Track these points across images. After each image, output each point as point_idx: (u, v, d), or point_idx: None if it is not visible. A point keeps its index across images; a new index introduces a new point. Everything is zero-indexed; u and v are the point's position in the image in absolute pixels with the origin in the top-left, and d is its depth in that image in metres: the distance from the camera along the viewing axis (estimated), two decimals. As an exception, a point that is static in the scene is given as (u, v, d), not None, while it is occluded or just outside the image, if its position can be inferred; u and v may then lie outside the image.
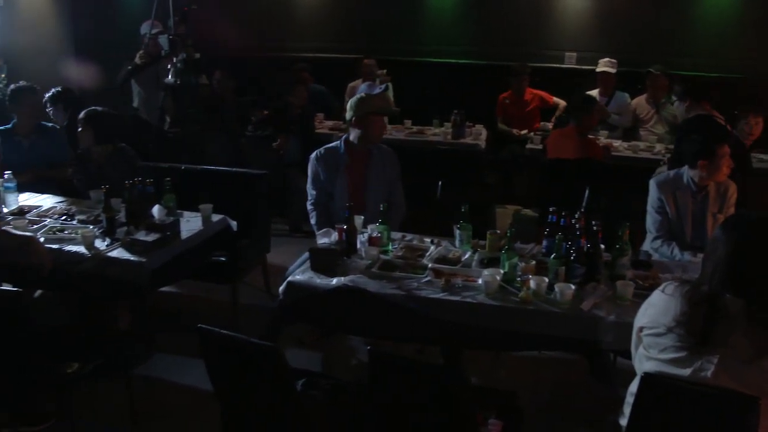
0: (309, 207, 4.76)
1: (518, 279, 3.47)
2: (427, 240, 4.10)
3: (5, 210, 4.72)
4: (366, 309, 3.50)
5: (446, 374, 2.73)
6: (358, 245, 3.90)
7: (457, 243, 3.99)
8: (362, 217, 4.15)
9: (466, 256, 3.81)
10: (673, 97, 6.26)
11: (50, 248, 4.09)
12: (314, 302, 3.58)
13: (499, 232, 3.90)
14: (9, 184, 4.85)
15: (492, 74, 8.16)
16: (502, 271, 3.47)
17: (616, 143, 6.86)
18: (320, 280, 3.56)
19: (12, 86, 5.78)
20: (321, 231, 4.01)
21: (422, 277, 3.54)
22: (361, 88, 6.47)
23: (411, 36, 8.98)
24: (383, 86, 6.29)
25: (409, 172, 5.05)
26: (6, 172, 4.88)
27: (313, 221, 4.71)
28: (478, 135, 7.18)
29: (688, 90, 5.60)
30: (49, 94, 5.97)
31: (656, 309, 2.41)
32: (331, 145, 4.75)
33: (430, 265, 3.67)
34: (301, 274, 3.65)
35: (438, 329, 3.41)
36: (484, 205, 4.81)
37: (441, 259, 3.77)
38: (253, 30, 9.12)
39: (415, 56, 8.84)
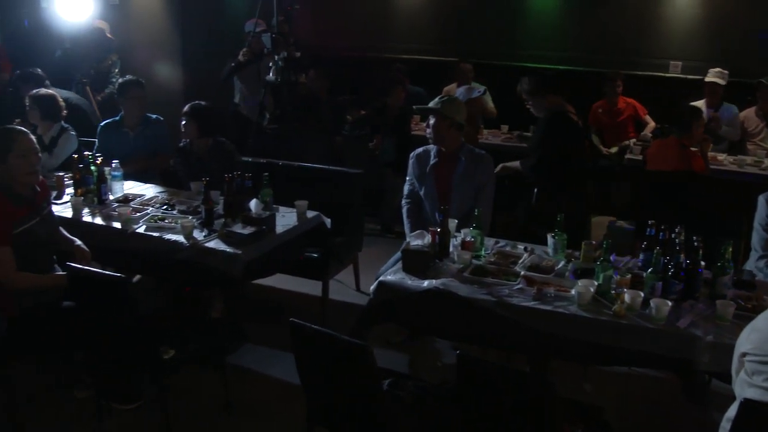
0: (402, 203, 4.78)
1: (612, 292, 3.39)
2: (520, 247, 4.06)
3: (111, 197, 4.92)
4: (455, 313, 3.49)
5: (535, 383, 2.69)
6: (451, 248, 3.89)
7: (550, 251, 3.94)
8: (456, 221, 4.14)
9: (560, 265, 3.75)
10: None
11: (151, 236, 4.26)
12: (404, 303, 3.59)
13: (594, 242, 3.82)
14: (116, 173, 5.06)
15: (591, 81, 7.98)
16: (596, 283, 3.40)
17: (721, 156, 6.61)
18: (411, 282, 3.57)
19: (120, 80, 6.01)
20: (414, 233, 4.01)
21: (514, 284, 3.51)
22: (458, 92, 6.43)
23: (510, 40, 8.88)
24: (481, 90, 6.25)
25: (505, 178, 5.00)
26: (114, 161, 5.09)
27: (405, 218, 4.73)
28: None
29: None
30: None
31: (762, 335, 2.30)
32: (429, 146, 4.74)
33: (522, 273, 3.62)
34: (392, 274, 3.67)
35: (527, 338, 3.37)
36: (580, 215, 4.72)
37: (534, 267, 3.73)
38: (354, 31, 9.22)
39: (514, 60, 8.74)
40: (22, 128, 3.88)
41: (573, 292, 3.37)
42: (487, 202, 4.55)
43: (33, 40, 8.33)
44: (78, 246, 4.03)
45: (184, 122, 5.22)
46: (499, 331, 3.43)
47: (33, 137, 3.84)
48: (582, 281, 3.42)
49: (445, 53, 8.74)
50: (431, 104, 4.59)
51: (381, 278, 3.66)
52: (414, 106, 5.03)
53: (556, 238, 3.90)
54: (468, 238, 3.89)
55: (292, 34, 7.56)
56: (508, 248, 4.05)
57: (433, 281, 3.54)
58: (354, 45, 9.19)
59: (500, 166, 5.43)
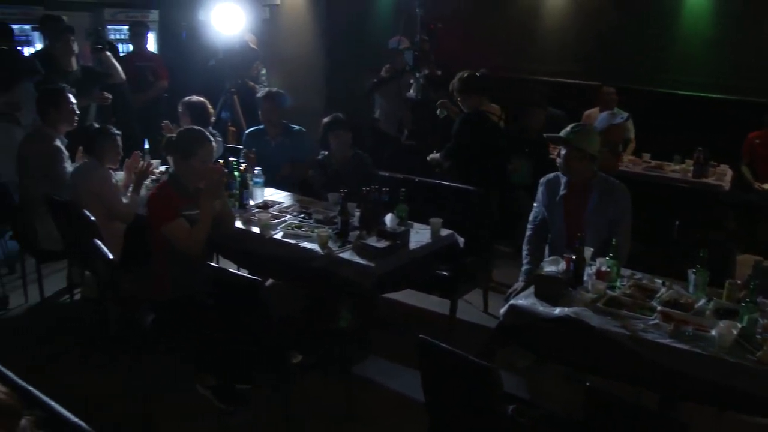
0: (528, 229, 4.68)
1: (758, 336, 3.20)
2: (658, 281, 3.90)
3: (252, 202, 5.12)
4: (586, 343, 3.40)
5: (667, 424, 2.59)
6: (585, 277, 3.80)
7: (690, 288, 3.76)
8: (591, 249, 4.04)
9: (700, 303, 3.58)
10: None
11: (287, 242, 4.40)
12: (534, 329, 3.54)
13: (739, 282, 3.63)
14: (258, 179, 5.26)
15: (743, 111, 7.58)
16: (739, 325, 3.23)
17: None
18: (543, 308, 3.52)
19: (262, 91, 6.25)
20: (549, 258, 3.94)
21: (649, 319, 3.38)
22: (600, 117, 6.28)
23: (654, 64, 8.58)
24: (624, 116, 6.08)
25: (644, 208, 4.83)
26: (257, 168, 5.29)
27: (524, 244, 4.63)
28: (722, 175, 6.73)
29: None
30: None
31: None
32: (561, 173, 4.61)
33: (659, 308, 3.49)
34: (524, 298, 3.63)
35: (660, 376, 3.24)
36: (724, 251, 4.50)
37: (671, 303, 3.57)
38: (495, 50, 9.19)
39: (658, 86, 8.44)
40: (209, 136, 4.21)
41: (713, 332, 3.21)
42: (625, 234, 4.31)
43: (189, 51, 8.81)
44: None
45: (337, 133, 5.34)
46: (630, 366, 3.31)
47: (215, 147, 4.13)
48: (723, 322, 3.26)
49: (587, 76, 8.56)
50: (562, 133, 4.36)
51: (512, 302, 3.63)
52: (545, 134, 4.86)
53: (697, 274, 3.73)
54: (603, 268, 3.78)
55: (433, 52, 7.65)
56: (644, 281, 3.90)
57: (565, 309, 3.47)
58: (495, 65, 9.16)
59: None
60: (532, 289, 3.71)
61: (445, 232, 4.61)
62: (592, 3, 8.84)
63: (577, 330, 3.40)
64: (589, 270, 3.87)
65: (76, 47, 6.86)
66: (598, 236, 4.21)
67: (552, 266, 3.81)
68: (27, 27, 8.51)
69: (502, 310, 3.66)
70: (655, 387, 3.54)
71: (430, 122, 6.74)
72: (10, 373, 2.16)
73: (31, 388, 2.15)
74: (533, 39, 9.33)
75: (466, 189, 5.36)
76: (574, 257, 3.79)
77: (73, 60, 6.84)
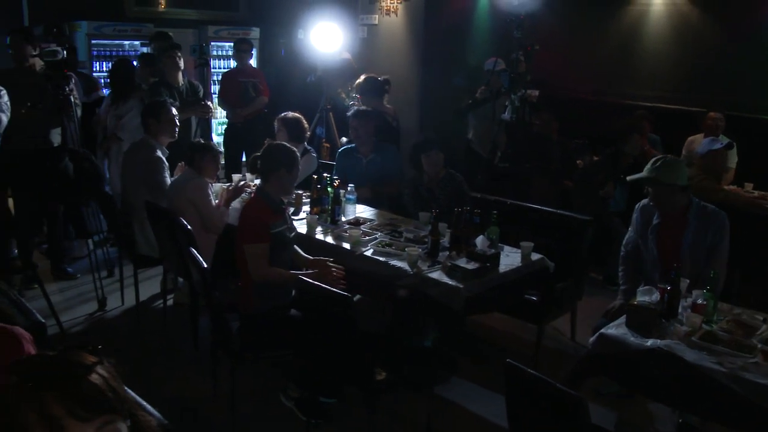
0: (621, 251, 4.55)
1: None
2: (759, 317, 3.74)
3: (343, 218, 5.18)
4: (678, 378, 3.29)
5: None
6: (680, 309, 3.68)
7: (795, 326, 3.60)
8: (687, 281, 3.90)
9: (806, 342, 3.42)
10: None
11: (377, 260, 4.43)
12: (624, 359, 3.45)
13: None
14: (350, 196, 5.32)
15: None
16: None
17: None
18: (634, 339, 3.42)
19: (355, 109, 6.33)
20: (642, 288, 3.83)
21: (749, 357, 3.24)
22: (703, 142, 6.10)
23: (761, 90, 8.27)
24: (724, 143, 5.88)
25: (744, 240, 4.65)
26: (349, 185, 5.36)
27: (620, 263, 4.50)
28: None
29: None
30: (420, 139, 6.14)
31: None
32: None
33: (759, 346, 3.34)
34: (615, 328, 3.54)
35: (759, 418, 3.10)
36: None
37: (773, 341, 3.43)
38: (594, 73, 9.04)
39: (764, 113, 8.12)
40: (296, 151, 4.32)
41: (819, 374, 3.06)
42: (721, 261, 4.12)
43: (287, 68, 9.03)
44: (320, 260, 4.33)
45: (429, 153, 5.37)
46: (725, 405, 3.18)
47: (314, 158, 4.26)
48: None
49: (689, 102, 8.30)
50: (645, 172, 4.15)
51: (602, 331, 3.54)
52: (627, 177, 4.63)
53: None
54: (699, 301, 3.66)
55: (530, 74, 7.59)
56: (744, 316, 3.75)
57: (658, 341, 3.37)
58: (593, 88, 9.01)
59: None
60: (623, 318, 3.62)
61: (535, 256, 4.55)
62: (696, 26, 8.60)
63: (669, 363, 3.29)
64: (684, 302, 3.74)
65: (182, 63, 7.14)
66: (695, 267, 4.07)
67: (645, 296, 3.71)
68: (137, 43, 8.93)
69: (592, 339, 3.58)
70: (753, 430, 3.40)
71: (524, 145, 6.69)
72: (114, 372, 2.24)
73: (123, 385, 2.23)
74: (633, 62, 9.12)
75: (560, 213, 5.29)
76: (668, 288, 3.68)
77: (180, 75, 7.11)
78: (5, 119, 4.68)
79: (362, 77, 7.02)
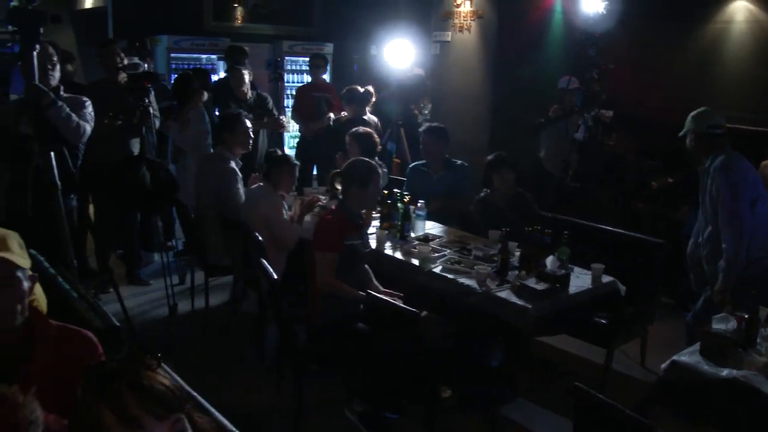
0: None
1: None
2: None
3: (413, 234, 5.19)
4: (755, 411, 3.18)
5: None
6: (758, 339, 3.56)
7: None
8: (767, 310, 3.78)
9: None
10: None
11: (445, 276, 4.42)
12: (696, 389, 3.36)
13: None
14: (420, 212, 5.33)
15: None
16: None
17: None
18: (708, 368, 3.33)
19: (426, 126, 6.34)
20: (718, 315, 3.73)
21: (834, 392, 3.12)
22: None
23: None
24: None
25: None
26: (419, 201, 5.37)
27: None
28: None
29: None
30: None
31: None
32: None
33: None
34: (688, 355, 3.45)
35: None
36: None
37: None
38: (670, 93, 8.86)
39: None
40: (379, 166, 4.39)
41: None
42: None
43: (360, 83, 9.11)
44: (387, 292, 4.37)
45: (500, 172, 5.35)
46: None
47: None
48: None
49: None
50: None
51: (675, 358, 3.46)
52: None
53: None
54: (780, 331, 3.54)
55: (604, 93, 7.49)
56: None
57: (734, 372, 3.27)
58: (669, 108, 8.81)
59: None
60: (697, 345, 3.53)
61: (606, 278, 4.47)
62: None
63: (746, 395, 3.18)
64: (764, 331, 3.62)
65: (247, 77, 7.26)
66: None
67: (722, 324, 3.61)
68: (213, 56, 9.16)
69: (664, 365, 3.50)
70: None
71: (597, 164, 6.60)
72: (174, 375, 2.30)
73: (189, 388, 2.29)
74: (711, 82, 8.89)
75: (633, 235, 5.19)
76: (746, 316, 3.56)
77: (246, 89, 7.22)
78: (89, 129, 4.85)
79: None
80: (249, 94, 7.29)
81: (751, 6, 8.46)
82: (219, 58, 9.10)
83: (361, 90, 7.49)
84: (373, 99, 7.56)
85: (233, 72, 7.22)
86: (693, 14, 8.88)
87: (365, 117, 7.37)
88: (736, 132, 7.99)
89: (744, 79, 8.52)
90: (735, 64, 8.61)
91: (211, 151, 6.30)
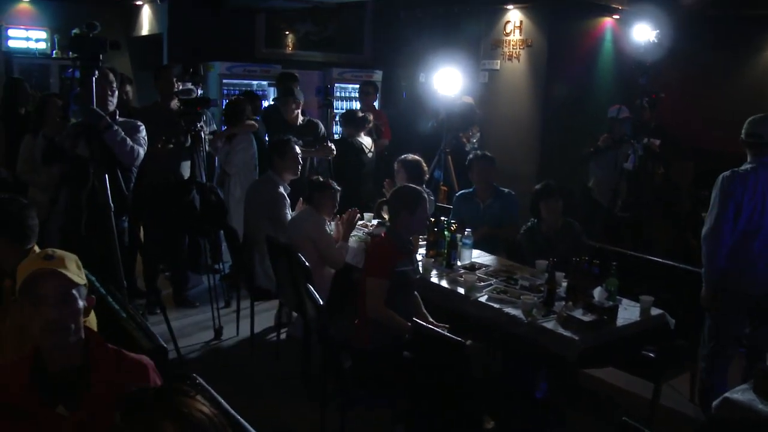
0: None
1: None
2: None
3: (459, 263, 5.17)
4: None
5: None
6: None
7: None
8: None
9: None
10: None
11: (491, 306, 4.39)
12: (749, 427, 3.26)
13: None
14: (467, 241, 5.31)
15: None
16: None
17: None
18: (762, 406, 3.24)
19: (475, 153, 6.34)
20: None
21: None
22: None
23: None
24: None
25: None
26: (467, 229, 5.36)
27: None
28: None
29: None
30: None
31: None
32: None
33: None
34: (741, 393, 3.36)
35: None
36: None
37: None
38: (722, 122, 8.70)
39: None
40: (426, 194, 4.42)
41: None
42: None
43: (409, 111, 9.17)
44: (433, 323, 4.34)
45: (548, 201, 5.32)
46: None
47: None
48: None
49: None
50: None
51: (727, 395, 3.37)
52: None
53: None
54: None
55: (654, 122, 7.42)
56: None
57: (789, 410, 3.18)
58: (721, 137, 8.67)
59: None
60: (750, 383, 3.44)
61: (655, 311, 4.39)
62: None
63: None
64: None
65: (297, 104, 7.33)
66: None
67: (776, 361, 3.51)
68: (264, 83, 9.32)
69: (715, 402, 3.41)
70: None
71: (647, 194, 6.51)
72: (219, 398, 2.32)
73: (234, 412, 2.30)
74: (763, 112, 8.77)
75: (683, 268, 5.08)
76: (802, 353, 3.47)
77: (295, 115, 7.31)
78: (143, 153, 4.96)
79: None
80: (300, 119, 7.38)
81: (805, 33, 8.33)
82: (270, 85, 9.26)
83: (360, 114, 7.68)
84: (370, 125, 7.74)
85: (285, 98, 7.33)
86: (745, 42, 8.78)
87: (356, 138, 7.53)
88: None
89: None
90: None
91: (257, 176, 6.39)
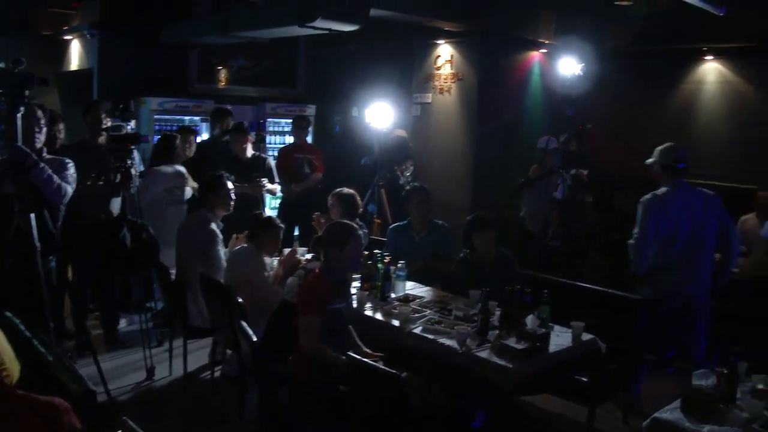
0: None
1: None
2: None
3: (393, 295, 5.18)
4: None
5: None
6: (739, 395, 3.57)
7: None
8: (746, 365, 3.79)
9: None
10: None
11: (426, 337, 4.40)
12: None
13: None
14: (400, 273, 5.33)
15: None
16: None
17: None
18: (690, 425, 3.32)
19: (412, 186, 6.40)
20: (698, 371, 3.74)
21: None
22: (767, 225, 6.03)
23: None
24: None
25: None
26: (400, 261, 5.38)
27: None
28: None
29: None
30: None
31: None
32: None
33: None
34: (669, 412, 3.44)
35: None
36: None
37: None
38: (647, 151, 9.00)
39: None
40: (360, 227, 4.41)
41: None
42: None
43: (342, 144, 9.22)
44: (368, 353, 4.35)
45: (480, 232, 5.38)
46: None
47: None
48: None
49: (746, 180, 8.20)
50: None
51: (656, 415, 3.45)
52: None
53: None
54: (760, 386, 3.55)
55: (582, 153, 7.61)
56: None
57: (716, 428, 3.27)
58: (644, 166, 8.95)
59: None
60: (677, 402, 3.52)
61: (587, 336, 4.47)
62: (752, 103, 8.58)
63: (728, 452, 3.18)
64: (744, 387, 3.63)
65: (252, 137, 7.34)
66: None
67: (701, 380, 3.61)
68: (197, 118, 9.26)
69: (645, 423, 3.49)
70: None
71: (576, 223, 6.66)
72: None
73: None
74: (686, 140, 9.03)
75: (612, 293, 5.21)
76: (726, 372, 3.58)
77: (248, 147, 7.29)
78: (71, 191, 4.85)
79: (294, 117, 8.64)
80: (249, 153, 7.36)
81: (721, 67, 8.71)
82: (203, 120, 9.19)
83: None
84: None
85: (237, 133, 7.32)
86: (667, 75, 9.12)
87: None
88: (713, 189, 8.11)
89: (719, 137, 8.73)
90: (707, 123, 8.84)
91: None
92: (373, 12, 6.80)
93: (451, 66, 9.23)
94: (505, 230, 6.27)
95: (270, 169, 7.52)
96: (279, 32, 7.65)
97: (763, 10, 7.10)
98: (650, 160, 5.34)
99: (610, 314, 4.99)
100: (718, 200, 5.27)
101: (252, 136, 7.37)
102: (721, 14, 6.67)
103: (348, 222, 4.55)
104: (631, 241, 5.19)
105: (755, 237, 6.60)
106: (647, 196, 5.19)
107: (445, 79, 9.29)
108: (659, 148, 5.33)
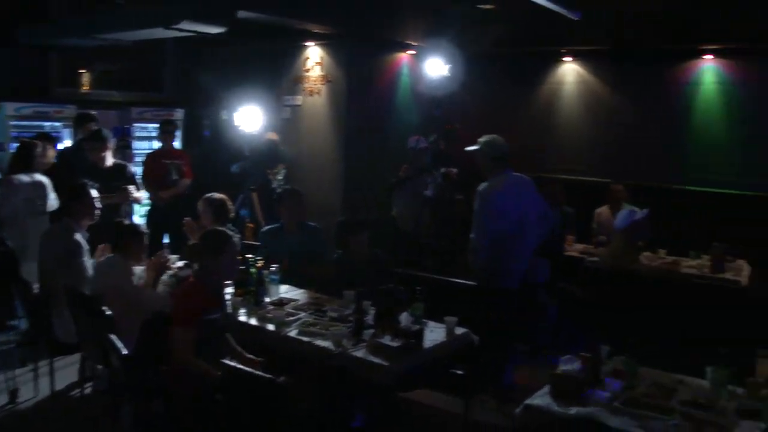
0: None
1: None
2: (676, 378, 3.84)
3: (267, 299, 5.12)
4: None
5: None
6: (601, 376, 3.75)
7: (710, 386, 3.69)
8: (608, 348, 4.00)
9: (721, 402, 3.51)
10: None
11: (301, 340, 4.39)
12: (550, 430, 3.47)
13: (761, 380, 3.56)
14: (274, 276, 5.29)
15: (762, 207, 7.65)
16: (762, 426, 3.16)
17: None
18: (559, 408, 3.46)
19: (284, 189, 6.37)
20: (565, 357, 3.91)
21: (670, 420, 3.31)
22: (621, 216, 6.34)
23: (672, 162, 8.70)
24: (644, 213, 6.12)
25: (660, 304, 4.78)
26: (273, 265, 5.33)
27: None
28: (740, 271, 6.65)
29: None
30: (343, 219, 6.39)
31: None
32: None
33: (679, 408, 3.42)
34: (540, 398, 3.57)
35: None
36: (743, 349, 4.43)
37: (691, 403, 3.49)
38: (512, 149, 9.30)
39: (674, 183, 8.52)
40: (233, 233, 4.39)
41: (736, 433, 3.14)
42: None
43: (212, 148, 9.05)
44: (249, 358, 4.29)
45: (353, 233, 5.41)
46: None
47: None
48: (746, 422, 3.19)
49: (603, 174, 8.65)
50: None
51: (527, 401, 3.57)
52: None
53: (717, 372, 3.66)
54: (620, 368, 3.74)
55: (451, 152, 7.78)
56: (663, 380, 3.83)
57: (582, 409, 3.42)
58: (512, 163, 9.27)
59: None
60: (547, 388, 3.66)
61: (460, 330, 4.58)
62: (609, 104, 9.05)
63: (594, 430, 3.32)
64: (606, 368, 3.82)
65: (107, 147, 7.05)
66: None
67: (568, 365, 3.77)
68: (58, 124, 8.81)
69: (517, 410, 3.60)
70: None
71: (448, 221, 6.80)
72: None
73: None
74: (547, 138, 9.50)
75: (483, 287, 5.35)
76: (589, 355, 3.75)
77: (108, 156, 7.01)
78: None
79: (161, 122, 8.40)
80: (108, 162, 7.05)
81: (578, 68, 9.14)
82: (64, 126, 8.77)
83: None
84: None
85: (95, 142, 6.98)
86: (529, 76, 9.48)
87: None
88: (575, 183, 8.53)
89: (576, 135, 9.16)
90: (568, 121, 9.27)
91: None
92: (241, 14, 6.71)
93: (321, 68, 9.24)
94: (377, 230, 6.32)
95: (132, 177, 7.27)
96: (144, 34, 7.44)
97: (617, 15, 7.47)
98: (473, 148, 5.61)
99: (484, 307, 5.13)
100: (533, 184, 5.69)
101: (113, 143, 7.06)
102: (577, 19, 6.95)
103: (223, 229, 4.46)
104: (473, 235, 5.40)
105: (611, 227, 6.93)
106: (483, 186, 5.47)
107: (314, 81, 9.29)
108: (485, 140, 5.61)
